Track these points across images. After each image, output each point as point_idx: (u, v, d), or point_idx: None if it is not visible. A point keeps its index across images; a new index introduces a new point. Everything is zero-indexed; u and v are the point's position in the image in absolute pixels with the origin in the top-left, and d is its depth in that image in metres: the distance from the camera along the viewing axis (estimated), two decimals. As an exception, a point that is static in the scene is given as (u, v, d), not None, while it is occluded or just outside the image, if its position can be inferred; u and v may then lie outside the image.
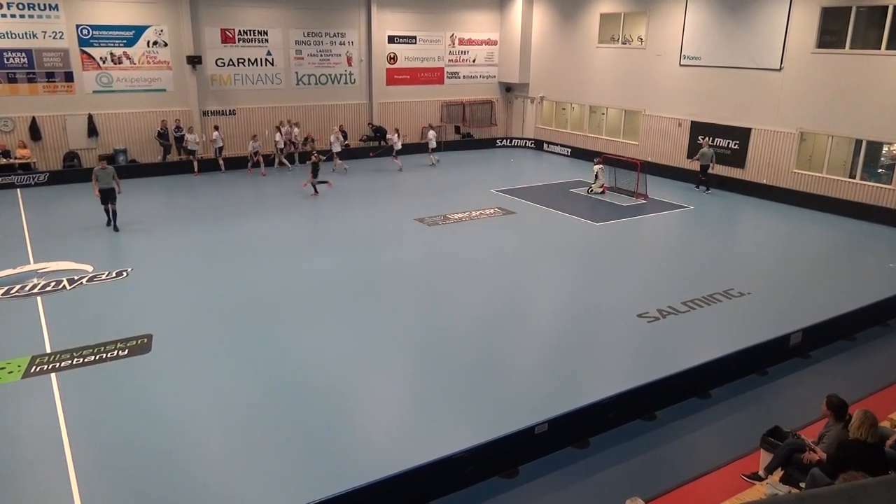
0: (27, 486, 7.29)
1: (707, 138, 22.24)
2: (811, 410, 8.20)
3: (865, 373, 10.02)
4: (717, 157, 21.59)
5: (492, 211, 18.92)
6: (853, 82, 18.70)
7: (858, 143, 19.07)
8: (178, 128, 23.76)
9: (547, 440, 7.82)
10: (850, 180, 19.27)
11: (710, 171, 21.54)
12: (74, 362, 9.90)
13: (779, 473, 6.89)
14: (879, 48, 18.14)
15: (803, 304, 12.32)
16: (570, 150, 28.18)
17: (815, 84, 19.63)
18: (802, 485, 6.46)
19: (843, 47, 18.94)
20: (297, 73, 26.35)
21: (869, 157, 19.05)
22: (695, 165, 22.48)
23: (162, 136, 23.64)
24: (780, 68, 20.39)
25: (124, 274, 13.51)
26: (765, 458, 7.17)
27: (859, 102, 18.60)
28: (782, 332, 10.38)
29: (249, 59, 25.30)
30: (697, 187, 22.06)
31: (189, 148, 23.40)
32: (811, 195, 19.86)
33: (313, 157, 20.26)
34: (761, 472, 7.08)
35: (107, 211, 16.54)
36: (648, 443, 8.19)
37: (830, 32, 19.39)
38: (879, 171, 19.01)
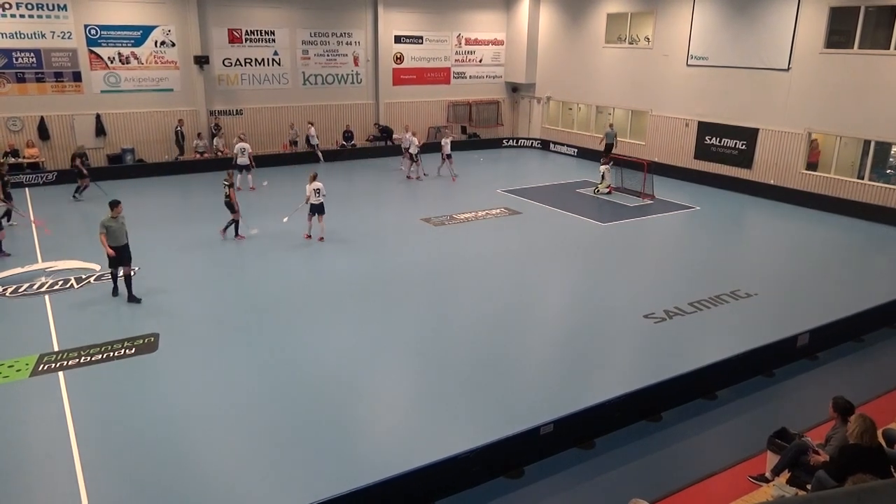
0: (35, 483, 7.33)
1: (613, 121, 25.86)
2: (818, 412, 8.15)
3: (873, 375, 9.96)
4: (722, 158, 21.80)
5: (498, 211, 18.91)
6: (862, 82, 18.59)
7: (867, 143, 18.96)
8: (218, 125, 24.45)
9: (552, 441, 7.81)
10: (859, 181, 19.17)
11: (613, 149, 24.24)
12: (82, 361, 9.94)
13: (786, 475, 6.86)
14: (888, 48, 18.03)
15: (810, 306, 12.26)
16: (576, 150, 28.13)
17: (824, 84, 19.52)
18: (809, 487, 6.43)
19: (852, 47, 18.83)
20: (303, 72, 26.40)
21: (877, 158, 18.94)
22: (698, 164, 22.64)
23: (179, 135, 23.89)
24: (788, 68, 20.29)
25: (131, 273, 13.54)
26: (771, 459, 7.14)
27: (868, 103, 18.49)
28: (789, 333, 10.33)
29: (256, 59, 25.37)
30: (606, 164, 23.90)
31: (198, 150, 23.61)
32: (819, 196, 19.77)
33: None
34: (768, 474, 7.05)
35: (114, 277, 12.33)
36: (654, 444, 8.16)
37: (839, 32, 19.29)
38: (888, 171, 18.90)
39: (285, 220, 16.34)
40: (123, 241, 11.99)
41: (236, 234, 16.10)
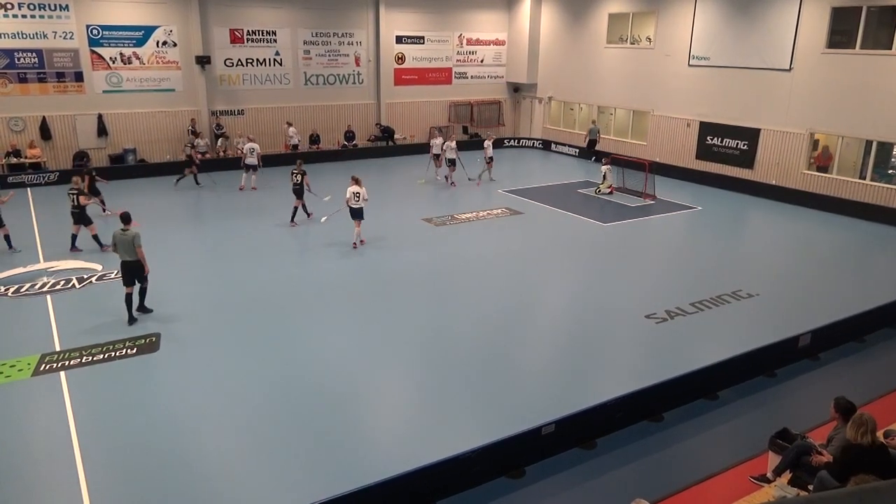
0: (36, 482, 7.34)
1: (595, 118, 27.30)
2: (820, 412, 8.13)
3: (875, 375, 9.95)
4: (724, 158, 22.05)
5: (499, 211, 18.91)
6: (863, 83, 18.58)
7: (869, 143, 18.95)
8: (219, 125, 24.67)
9: (554, 441, 7.81)
10: (860, 181, 19.15)
11: (596, 145, 26.35)
12: (83, 360, 9.96)
13: (787, 476, 6.85)
14: (890, 48, 18.02)
15: (812, 306, 12.25)
16: (577, 150, 28.11)
17: (825, 84, 19.51)
18: (811, 487, 6.42)
19: (854, 47, 18.82)
20: (305, 73, 26.42)
21: (879, 158, 18.92)
22: (699, 164, 22.90)
23: (192, 134, 24.03)
24: (790, 69, 20.28)
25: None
26: (773, 460, 7.13)
27: (870, 103, 18.47)
28: (791, 333, 10.32)
29: (258, 59, 25.39)
30: (590, 159, 26.25)
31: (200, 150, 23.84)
32: (820, 196, 19.74)
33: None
34: (769, 475, 7.04)
35: (128, 300, 11.28)
36: (655, 444, 8.16)
37: (841, 32, 19.27)
38: (890, 171, 18.88)
39: (323, 220, 16.50)
40: (132, 256, 11.10)
41: (307, 214, 17.52)
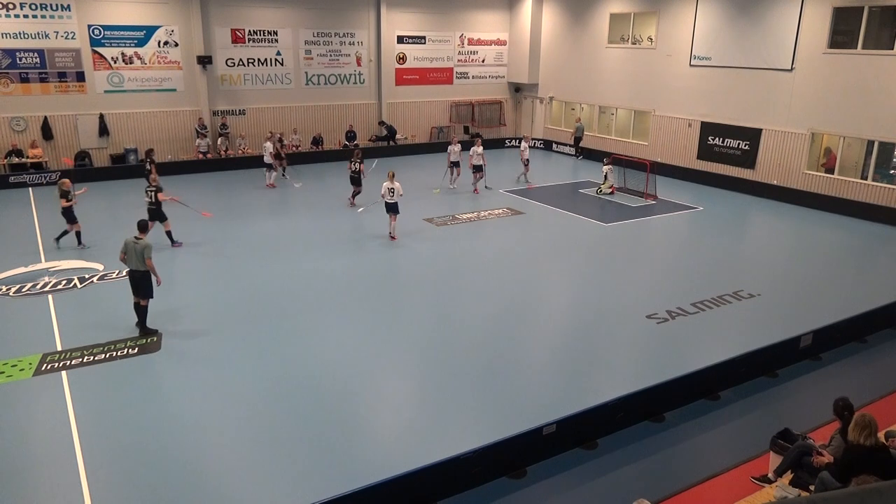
0: (37, 483, 7.34)
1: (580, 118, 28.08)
2: (821, 413, 8.14)
3: (877, 375, 9.94)
4: (725, 158, 22.18)
5: (501, 211, 18.90)
6: (865, 83, 18.56)
7: (870, 144, 18.93)
8: (224, 125, 24.89)
9: (555, 441, 7.81)
10: (862, 181, 19.13)
11: (581, 142, 27.49)
12: (85, 360, 9.96)
13: (788, 476, 6.85)
14: (892, 48, 18.00)
15: (814, 306, 12.23)
16: (578, 150, 28.11)
17: (827, 85, 19.49)
18: (812, 488, 6.42)
19: (856, 47, 18.80)
20: (306, 73, 26.43)
21: (881, 159, 18.90)
22: (701, 164, 23.00)
23: (199, 133, 24.23)
24: (792, 69, 20.26)
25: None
26: (774, 460, 7.13)
27: (871, 103, 18.46)
28: (792, 333, 10.32)
29: (259, 60, 25.39)
30: (576, 156, 27.72)
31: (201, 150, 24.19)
32: (822, 196, 19.73)
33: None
34: (771, 475, 7.04)
35: (137, 308, 10.88)
36: (657, 444, 8.15)
37: (842, 32, 19.26)
38: (891, 172, 18.86)
39: (360, 210, 17.98)
40: (139, 266, 10.60)
41: (352, 202, 18.92)
